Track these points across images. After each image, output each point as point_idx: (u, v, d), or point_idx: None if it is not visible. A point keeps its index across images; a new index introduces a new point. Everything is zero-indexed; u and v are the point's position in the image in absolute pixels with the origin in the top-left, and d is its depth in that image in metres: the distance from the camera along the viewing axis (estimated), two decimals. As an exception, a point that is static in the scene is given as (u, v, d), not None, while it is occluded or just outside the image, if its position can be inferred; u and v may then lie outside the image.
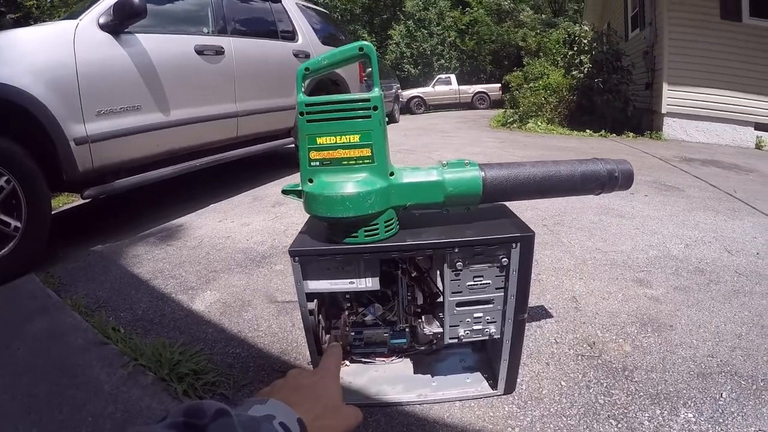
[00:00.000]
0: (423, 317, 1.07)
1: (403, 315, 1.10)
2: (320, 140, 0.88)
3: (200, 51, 2.83)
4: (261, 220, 2.64)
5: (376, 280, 0.95)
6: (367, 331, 1.14)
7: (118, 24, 2.30)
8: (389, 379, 1.14)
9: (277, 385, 0.51)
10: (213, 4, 3.08)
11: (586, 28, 7.70)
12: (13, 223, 1.92)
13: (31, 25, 2.49)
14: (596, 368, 1.22)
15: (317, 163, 0.89)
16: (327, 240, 0.94)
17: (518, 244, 0.92)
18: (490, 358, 1.17)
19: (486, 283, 0.95)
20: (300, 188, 0.94)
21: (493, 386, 1.10)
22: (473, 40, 20.15)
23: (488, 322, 0.99)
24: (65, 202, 3.48)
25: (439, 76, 17.12)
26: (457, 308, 0.97)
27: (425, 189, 0.93)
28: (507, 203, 1.11)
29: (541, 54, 14.00)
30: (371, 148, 0.88)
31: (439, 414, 1.07)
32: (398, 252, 0.93)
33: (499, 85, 15.63)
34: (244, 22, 3.40)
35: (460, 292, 0.96)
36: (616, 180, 1.05)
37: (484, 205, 1.02)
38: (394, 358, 1.19)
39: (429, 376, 1.15)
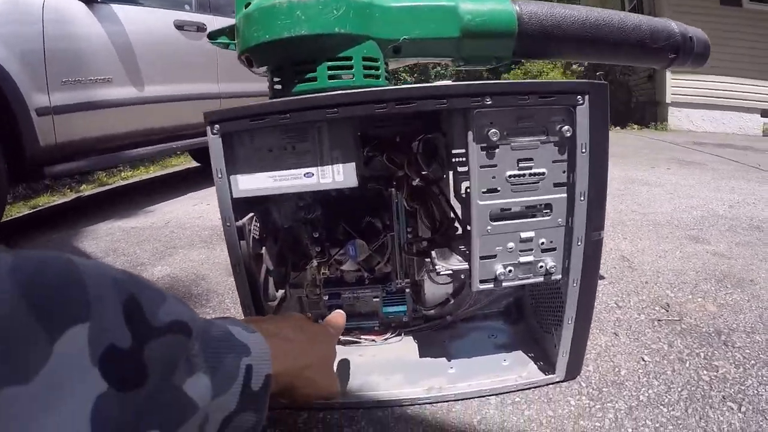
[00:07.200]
0: (434, 252, 0.66)
1: (399, 260, 0.70)
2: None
3: (180, 26, 2.57)
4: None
5: (352, 168, 0.55)
6: (348, 295, 0.75)
7: None
8: (381, 365, 0.74)
9: (273, 321, 0.47)
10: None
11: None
12: None
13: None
14: (682, 335, 0.86)
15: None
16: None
17: (586, 98, 0.54)
18: (533, 329, 0.78)
19: (539, 174, 0.56)
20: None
21: (547, 369, 0.71)
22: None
23: (543, 250, 0.60)
24: (46, 201, 3.28)
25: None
26: (492, 222, 0.57)
27: (429, 15, 0.55)
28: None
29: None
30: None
31: (463, 418, 0.67)
32: (386, 104, 0.52)
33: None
34: (230, -1, 3.11)
35: (496, 189, 0.56)
36: (692, 44, 0.80)
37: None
38: (388, 334, 0.79)
39: (443, 359, 0.75)
